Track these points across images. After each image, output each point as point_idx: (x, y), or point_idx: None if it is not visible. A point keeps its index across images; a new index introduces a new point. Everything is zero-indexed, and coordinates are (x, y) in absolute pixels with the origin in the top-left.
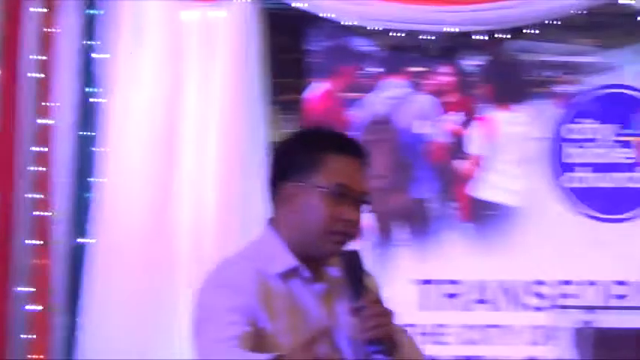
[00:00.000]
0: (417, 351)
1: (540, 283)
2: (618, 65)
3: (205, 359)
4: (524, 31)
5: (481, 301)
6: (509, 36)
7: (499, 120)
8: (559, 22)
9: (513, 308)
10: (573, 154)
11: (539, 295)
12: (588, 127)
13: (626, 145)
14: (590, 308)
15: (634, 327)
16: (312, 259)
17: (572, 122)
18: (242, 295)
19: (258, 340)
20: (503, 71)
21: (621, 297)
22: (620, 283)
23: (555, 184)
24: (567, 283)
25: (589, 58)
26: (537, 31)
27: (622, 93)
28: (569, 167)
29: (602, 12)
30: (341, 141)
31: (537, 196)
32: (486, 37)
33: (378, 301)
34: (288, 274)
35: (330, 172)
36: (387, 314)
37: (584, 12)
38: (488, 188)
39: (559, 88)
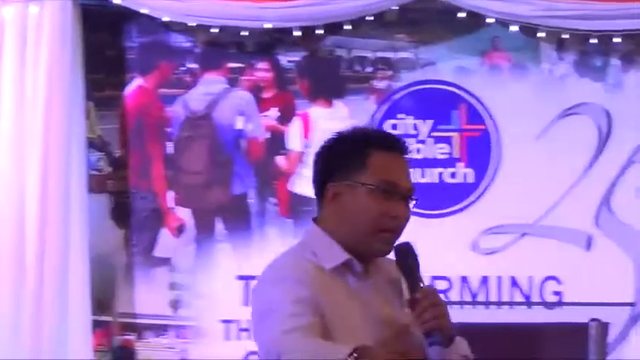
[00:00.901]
0: (467, 347)
1: None
2: (434, 61)
3: (273, 350)
4: (340, 27)
5: None
6: (324, 32)
7: (317, 116)
8: (374, 18)
9: None
10: None
11: None
12: (406, 122)
13: (443, 140)
14: None
15: (455, 322)
16: (361, 255)
17: (390, 118)
18: (303, 287)
19: (324, 332)
20: (320, 67)
21: (442, 292)
22: (441, 278)
23: None
24: None
25: (405, 54)
26: (353, 27)
27: (438, 88)
28: None
29: (417, 8)
30: (384, 138)
31: None
32: (302, 33)
33: (434, 292)
34: (341, 269)
35: (376, 169)
36: (443, 305)
37: (399, 8)
38: (308, 184)
39: (376, 84)
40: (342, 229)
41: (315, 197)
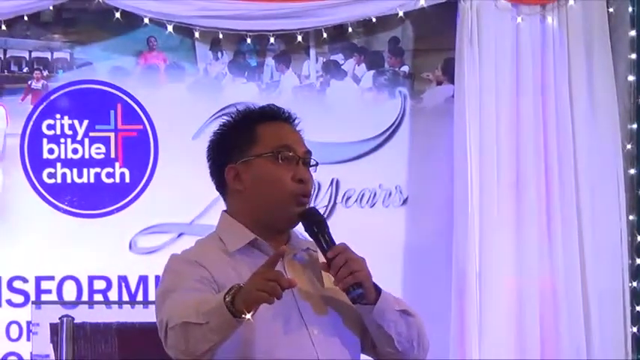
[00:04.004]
0: (404, 303)
1: (19, 279)
2: (90, 61)
3: (161, 325)
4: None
5: None
6: None
7: None
8: (29, 18)
9: None
10: (50, 150)
11: (19, 291)
12: (63, 122)
13: (100, 140)
14: (71, 303)
15: (113, 321)
16: (275, 230)
17: (48, 118)
18: (198, 267)
19: None
20: None
21: (100, 292)
22: (100, 278)
23: (33, 181)
24: (47, 278)
25: (61, 54)
26: (8, 27)
27: (95, 88)
28: (47, 163)
29: (72, 8)
30: (267, 109)
31: (15, 193)
32: None
33: (346, 248)
34: (249, 250)
35: (267, 139)
36: (359, 259)
37: (54, 8)
38: None
39: (33, 84)
40: (248, 209)
41: (218, 190)
